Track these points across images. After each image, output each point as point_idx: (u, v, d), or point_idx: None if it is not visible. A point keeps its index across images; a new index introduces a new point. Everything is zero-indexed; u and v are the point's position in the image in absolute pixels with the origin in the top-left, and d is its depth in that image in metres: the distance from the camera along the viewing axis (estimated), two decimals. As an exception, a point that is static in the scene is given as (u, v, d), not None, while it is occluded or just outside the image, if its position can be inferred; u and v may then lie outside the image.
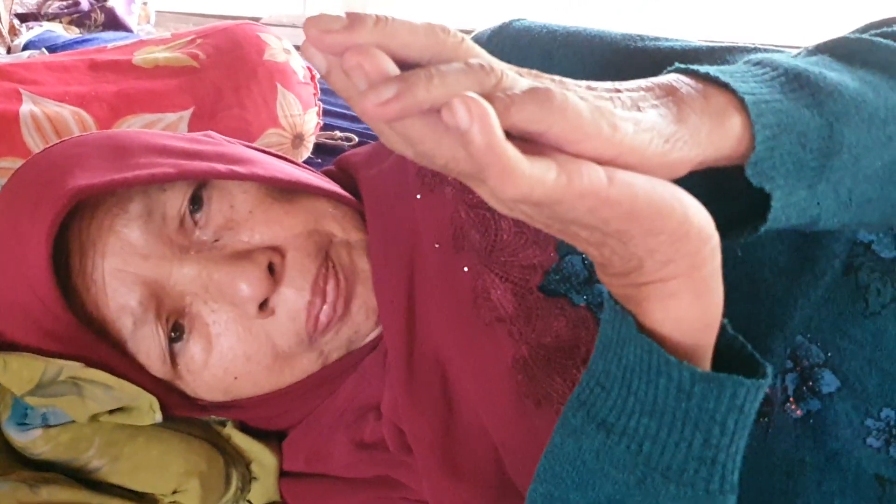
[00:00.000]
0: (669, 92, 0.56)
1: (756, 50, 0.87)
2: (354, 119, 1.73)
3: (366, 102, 0.46)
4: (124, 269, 0.84)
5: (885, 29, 0.75)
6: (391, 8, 3.35)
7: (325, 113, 1.64)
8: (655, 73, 0.84)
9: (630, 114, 0.52)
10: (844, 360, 0.79)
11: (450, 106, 0.45)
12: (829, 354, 0.79)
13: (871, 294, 0.80)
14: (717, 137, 0.56)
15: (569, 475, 0.66)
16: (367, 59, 0.47)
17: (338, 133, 1.66)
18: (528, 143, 0.49)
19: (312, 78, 1.58)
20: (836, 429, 0.78)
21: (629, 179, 0.51)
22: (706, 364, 0.63)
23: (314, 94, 1.58)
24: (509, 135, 0.47)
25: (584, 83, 0.53)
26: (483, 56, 0.51)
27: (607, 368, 0.63)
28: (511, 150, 0.45)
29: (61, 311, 0.82)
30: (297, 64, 1.57)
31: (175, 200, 0.87)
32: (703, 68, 0.59)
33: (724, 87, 0.58)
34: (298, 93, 1.55)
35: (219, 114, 1.49)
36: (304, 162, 1.59)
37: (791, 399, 0.79)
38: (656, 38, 0.89)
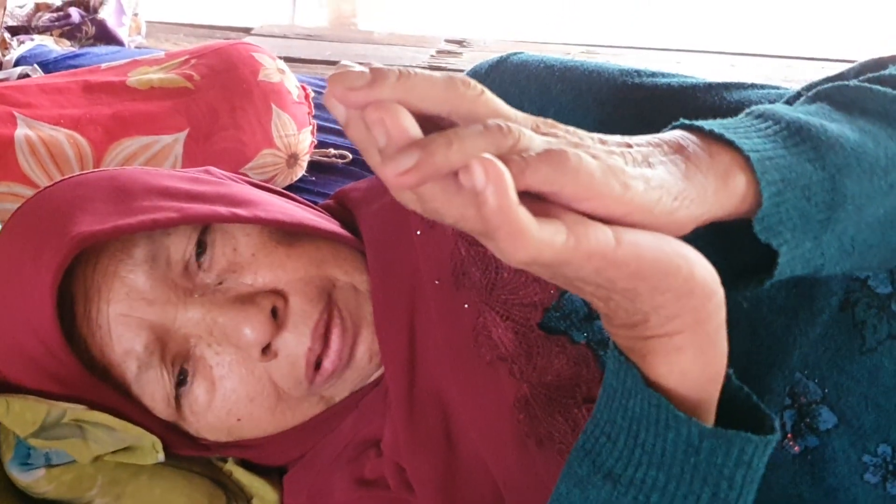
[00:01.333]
0: (677, 150, 0.57)
1: (753, 87, 0.88)
2: (345, 135, 1.73)
3: (387, 172, 0.47)
4: (129, 314, 0.84)
5: (882, 73, 0.76)
6: (379, 15, 3.36)
7: (319, 129, 1.65)
8: (653, 109, 0.85)
9: (640, 171, 0.52)
10: (842, 396, 0.80)
11: (468, 167, 0.45)
12: (827, 391, 0.80)
13: (867, 330, 0.80)
14: (723, 196, 0.57)
15: None
16: (389, 116, 0.48)
17: (332, 150, 1.66)
18: (537, 200, 0.49)
19: (307, 97, 1.59)
20: (834, 465, 0.79)
21: (636, 239, 0.51)
22: (710, 416, 0.63)
23: (308, 113, 1.58)
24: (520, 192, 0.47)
25: (597, 136, 0.54)
26: (501, 109, 0.52)
27: (612, 418, 0.64)
28: (523, 214, 0.46)
29: (66, 357, 0.83)
30: (292, 84, 1.57)
31: (179, 245, 0.87)
32: (707, 125, 0.59)
33: (729, 144, 0.58)
34: (293, 112, 1.56)
35: (214, 135, 1.49)
36: (299, 180, 1.59)
37: (789, 435, 0.80)
38: (653, 74, 0.90)
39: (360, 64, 0.50)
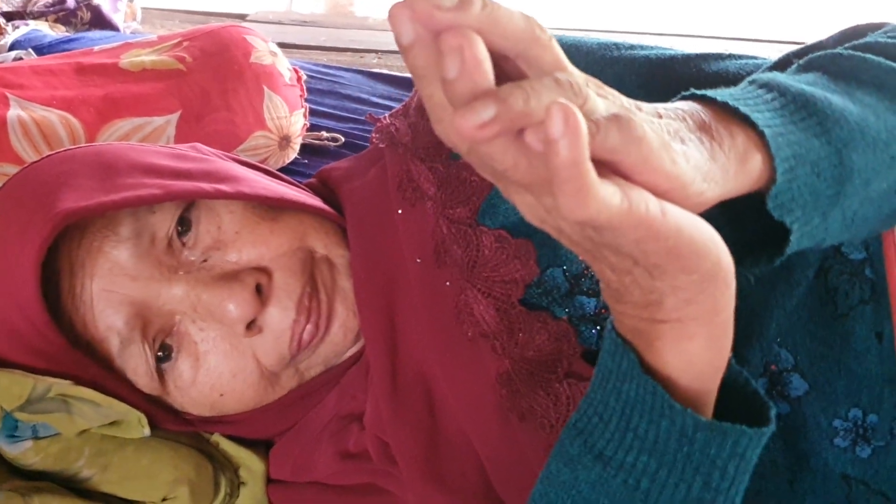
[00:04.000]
0: (701, 126, 0.56)
1: (731, 58, 0.88)
2: (341, 119, 1.74)
3: (464, 123, 0.44)
4: (112, 290, 0.85)
5: (867, 40, 0.76)
6: (376, 2, 3.36)
7: (312, 113, 1.65)
8: (635, 82, 0.85)
9: (681, 147, 0.52)
10: (814, 362, 0.81)
11: (548, 113, 0.43)
12: (799, 358, 0.81)
13: (839, 296, 0.81)
14: (740, 177, 0.56)
15: (563, 503, 0.67)
16: (469, 46, 0.45)
17: (324, 133, 1.66)
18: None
19: (299, 80, 1.59)
20: (805, 430, 0.80)
21: (678, 215, 0.50)
22: (710, 406, 0.63)
23: (300, 96, 1.58)
24: None
25: (633, 102, 0.53)
26: (562, 61, 0.50)
27: (605, 400, 0.63)
28: (592, 171, 0.44)
29: (50, 332, 0.84)
30: (284, 66, 1.57)
31: (163, 222, 0.88)
32: (721, 96, 0.59)
33: (744, 119, 0.58)
34: (285, 95, 1.56)
35: (206, 117, 1.50)
36: (291, 163, 1.60)
37: None
38: (632, 47, 0.90)
39: None
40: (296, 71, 1.60)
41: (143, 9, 2.61)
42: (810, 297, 0.82)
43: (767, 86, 0.63)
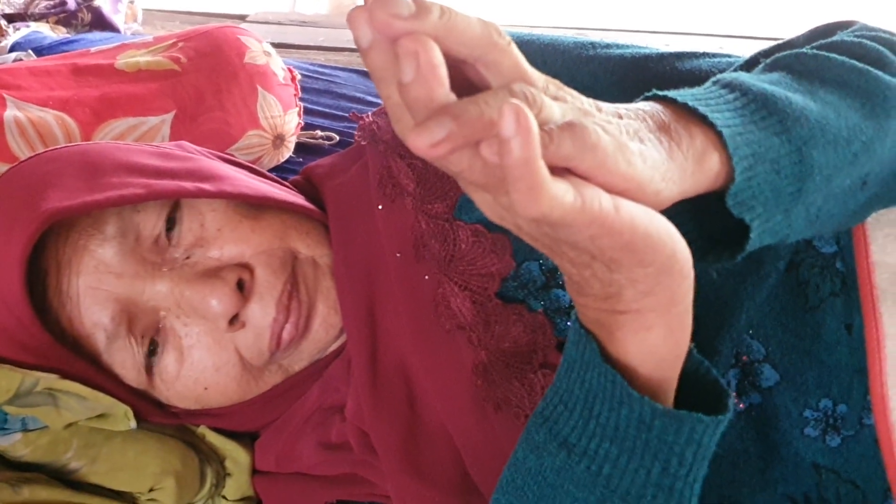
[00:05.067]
0: (661, 127, 0.57)
1: (704, 56, 0.90)
2: (336, 118, 1.75)
3: (420, 141, 0.46)
4: (98, 287, 0.87)
5: (833, 39, 0.78)
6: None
7: (308, 112, 1.67)
8: (609, 81, 0.87)
9: (638, 147, 0.53)
10: (785, 354, 0.82)
11: (500, 111, 0.44)
12: (770, 349, 0.82)
13: (810, 289, 0.83)
14: (699, 176, 0.58)
15: (530, 489, 0.68)
16: (424, 51, 0.46)
17: (319, 132, 1.68)
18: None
19: (293, 79, 1.61)
20: (776, 421, 0.82)
21: (633, 210, 0.52)
22: (670, 394, 0.65)
23: (295, 95, 1.60)
24: None
25: (593, 102, 0.54)
26: (521, 63, 0.52)
27: (570, 388, 0.65)
28: (543, 169, 0.45)
29: (36, 329, 0.85)
30: (278, 66, 1.59)
31: (148, 220, 0.90)
32: (681, 97, 0.60)
33: (703, 119, 0.59)
34: (279, 94, 1.57)
35: (200, 116, 1.51)
36: (286, 161, 1.62)
37: (734, 394, 0.82)
38: (608, 45, 0.92)
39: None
40: (290, 70, 1.61)
41: (144, 10, 2.62)
42: (782, 290, 0.83)
43: (730, 86, 0.64)
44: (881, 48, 0.75)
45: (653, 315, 0.58)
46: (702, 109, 0.59)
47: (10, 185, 0.91)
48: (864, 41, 0.76)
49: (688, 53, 0.90)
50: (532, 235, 0.55)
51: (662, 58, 0.90)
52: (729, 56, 0.90)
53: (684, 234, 0.57)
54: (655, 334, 0.60)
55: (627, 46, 0.92)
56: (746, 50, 0.93)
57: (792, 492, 0.81)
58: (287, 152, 1.61)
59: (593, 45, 0.92)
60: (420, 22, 0.47)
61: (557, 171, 0.49)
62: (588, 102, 0.54)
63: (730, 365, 0.83)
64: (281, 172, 1.41)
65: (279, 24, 2.70)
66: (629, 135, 0.53)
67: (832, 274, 0.83)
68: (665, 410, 0.61)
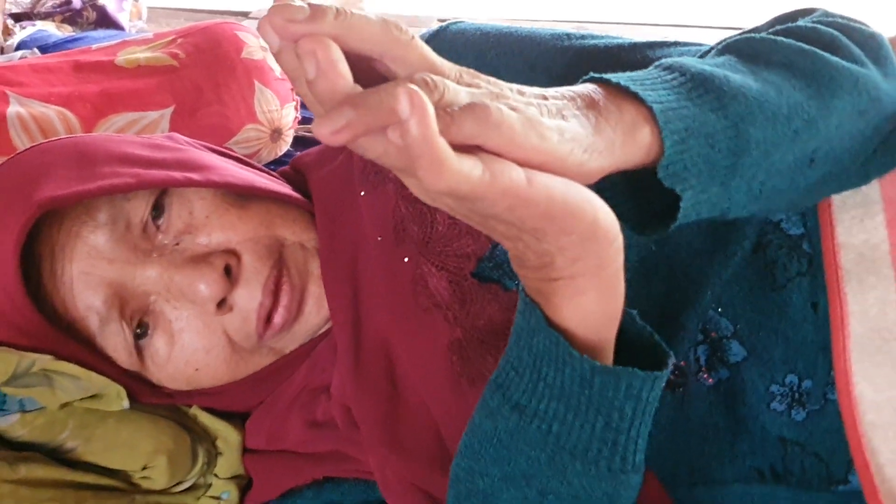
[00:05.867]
0: (589, 104, 0.60)
1: (675, 45, 0.93)
2: (332, 112, 1.78)
3: (323, 130, 0.48)
4: (90, 272, 0.90)
5: (790, 25, 0.81)
6: (384, 5, 3.39)
7: (304, 106, 1.69)
8: (582, 71, 0.90)
9: (556, 123, 0.56)
10: (753, 331, 0.85)
11: (395, 95, 0.47)
12: (738, 326, 0.85)
13: (778, 269, 0.86)
14: (629, 148, 0.61)
15: (487, 451, 0.73)
16: (321, 49, 0.49)
17: (316, 126, 1.71)
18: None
19: (289, 74, 1.64)
20: (744, 395, 0.85)
21: (546, 181, 0.54)
22: (609, 353, 0.68)
23: (291, 89, 1.63)
24: None
25: (515, 87, 0.57)
26: (428, 56, 0.55)
27: (520, 355, 0.69)
28: (443, 145, 0.48)
29: (31, 312, 0.89)
30: (274, 61, 1.62)
31: (138, 209, 0.93)
32: (615, 78, 0.63)
33: (634, 96, 0.62)
34: (276, 88, 1.60)
35: (199, 111, 1.54)
36: (284, 154, 1.65)
37: (703, 369, 0.85)
38: (583, 36, 0.95)
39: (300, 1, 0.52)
40: (287, 66, 1.64)
41: (149, 8, 2.65)
42: (750, 270, 0.86)
43: (671, 68, 0.67)
44: (835, 33, 0.78)
45: (584, 279, 0.62)
46: (633, 88, 0.62)
47: (7, 175, 0.94)
48: (819, 26, 0.79)
49: (658, 43, 0.93)
50: (462, 213, 0.58)
51: (634, 47, 0.92)
52: (699, 45, 0.93)
53: (622, 208, 0.62)
54: (589, 298, 0.63)
55: (602, 37, 0.95)
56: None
57: (759, 464, 0.84)
58: (285, 145, 1.64)
59: (569, 36, 0.95)
60: (316, 24, 0.50)
61: (469, 149, 0.52)
62: (506, 87, 0.57)
63: (697, 340, 0.85)
64: (279, 166, 1.44)
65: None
66: (550, 113, 0.56)
67: (799, 255, 0.86)
68: (603, 367, 0.65)
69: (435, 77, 0.53)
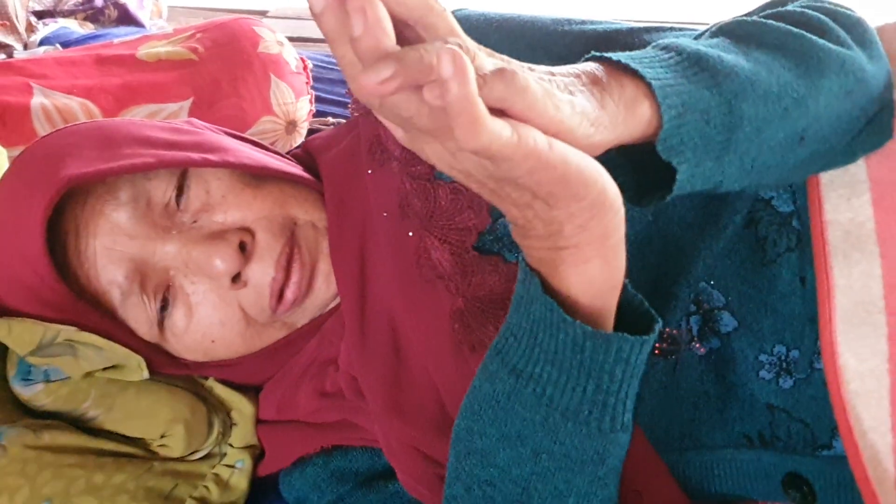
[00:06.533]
0: (593, 81, 0.64)
1: (671, 30, 0.96)
2: (346, 105, 1.82)
3: (368, 79, 0.50)
4: (113, 247, 0.95)
5: (779, 9, 0.85)
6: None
7: (319, 100, 1.73)
8: (581, 53, 0.94)
9: (567, 96, 0.60)
10: (743, 303, 0.89)
11: (438, 58, 0.49)
12: (730, 298, 0.89)
13: (768, 244, 0.89)
14: (631, 122, 0.65)
15: (485, 413, 0.77)
16: (370, 7, 0.51)
17: (330, 119, 1.75)
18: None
19: (305, 68, 1.68)
20: (734, 364, 0.88)
21: (564, 148, 0.58)
22: (610, 319, 0.73)
23: (306, 83, 1.67)
24: None
25: (526, 65, 0.61)
26: (457, 28, 0.58)
27: (519, 322, 0.74)
28: (481, 104, 0.51)
29: (56, 284, 0.93)
30: (290, 55, 1.66)
31: (158, 188, 0.97)
32: (615, 56, 0.67)
33: (634, 73, 0.66)
34: (291, 82, 1.64)
35: (216, 103, 1.58)
36: (298, 146, 1.69)
37: (695, 338, 0.89)
38: (582, 22, 0.98)
39: None
40: (302, 60, 1.69)
41: (169, 6, 2.69)
42: (742, 245, 0.90)
43: (667, 48, 0.72)
44: (824, 17, 0.82)
45: (589, 248, 0.66)
46: (633, 65, 0.66)
47: (33, 155, 0.99)
48: (808, 10, 0.82)
49: (654, 28, 0.96)
50: (479, 178, 0.61)
51: (632, 31, 0.96)
52: (695, 30, 0.96)
53: (623, 180, 0.65)
54: (593, 265, 0.67)
55: (600, 22, 0.98)
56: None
57: (748, 430, 0.88)
58: (299, 137, 1.68)
59: (569, 21, 0.98)
60: None
61: (495, 113, 0.55)
62: (519, 63, 0.60)
63: (690, 311, 0.89)
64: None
65: (298, 18, 2.78)
66: (560, 87, 0.60)
67: (788, 231, 0.90)
68: (594, 332, 0.69)
69: (467, 43, 0.56)
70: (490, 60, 0.58)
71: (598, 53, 0.68)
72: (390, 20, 0.54)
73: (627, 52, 0.69)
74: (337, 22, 0.55)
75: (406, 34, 0.58)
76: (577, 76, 0.64)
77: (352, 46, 0.53)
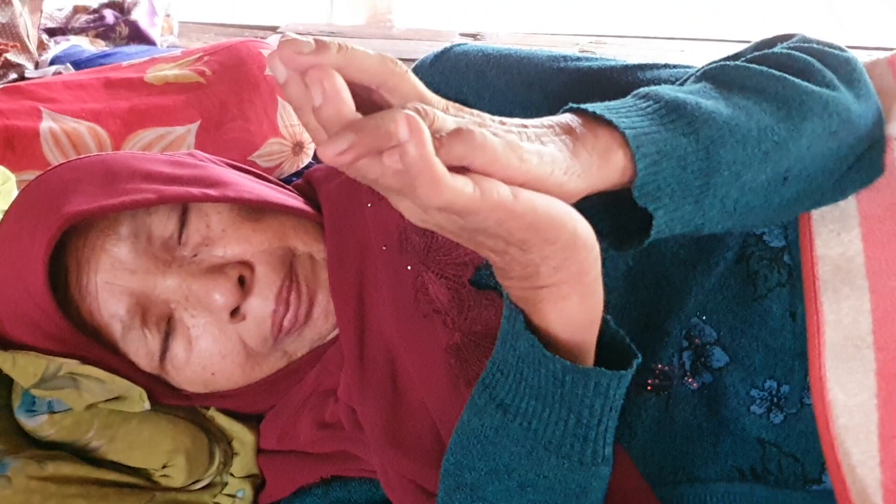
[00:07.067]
0: (567, 131, 0.66)
1: (665, 67, 0.98)
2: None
3: (327, 152, 0.54)
4: (114, 282, 0.96)
5: (766, 52, 0.86)
6: (415, 11, 3.44)
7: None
8: (576, 90, 0.95)
9: (535, 147, 0.61)
10: (735, 338, 0.90)
11: (395, 124, 0.53)
12: (721, 333, 0.90)
13: (759, 279, 0.91)
14: (605, 170, 0.66)
15: (474, 447, 0.79)
16: (327, 78, 0.55)
17: (336, 139, 1.76)
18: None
19: (311, 89, 1.69)
20: (726, 398, 0.90)
21: (530, 196, 0.60)
22: (590, 353, 0.75)
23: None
24: None
25: (497, 118, 0.63)
26: (419, 87, 0.62)
27: (505, 357, 0.75)
28: (438, 163, 0.53)
29: (58, 318, 0.95)
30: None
31: (159, 222, 0.99)
32: (591, 107, 0.69)
33: (609, 123, 0.68)
34: (297, 104, 1.66)
35: (224, 126, 1.60)
36: (305, 167, 1.70)
37: (688, 373, 0.90)
38: (578, 59, 1.00)
39: (305, 36, 0.58)
40: (309, 82, 1.70)
41: (180, 23, 2.70)
42: (733, 280, 0.91)
43: (646, 96, 0.73)
44: (809, 58, 0.83)
45: (567, 286, 0.68)
46: (608, 116, 0.68)
47: (37, 191, 1.01)
48: (794, 52, 0.84)
49: (649, 65, 0.98)
50: (453, 231, 0.64)
51: (626, 69, 0.97)
52: (689, 67, 0.97)
53: (601, 226, 0.67)
54: (572, 302, 0.69)
55: (596, 59, 1.00)
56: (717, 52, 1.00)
57: (739, 463, 0.89)
58: (306, 158, 1.69)
59: (565, 58, 1.00)
60: (321, 56, 0.57)
61: (459, 170, 0.57)
62: (488, 117, 0.63)
63: (682, 346, 0.91)
64: (300, 177, 1.49)
65: (308, 34, 2.79)
66: (529, 139, 0.62)
67: (779, 266, 0.91)
68: (573, 366, 0.71)
69: (426, 106, 0.59)
70: (452, 119, 0.60)
71: (574, 105, 0.69)
72: (348, 89, 0.57)
73: (604, 103, 0.71)
74: (299, 92, 0.58)
75: (372, 97, 0.61)
76: (550, 127, 0.66)
77: (314, 115, 0.57)
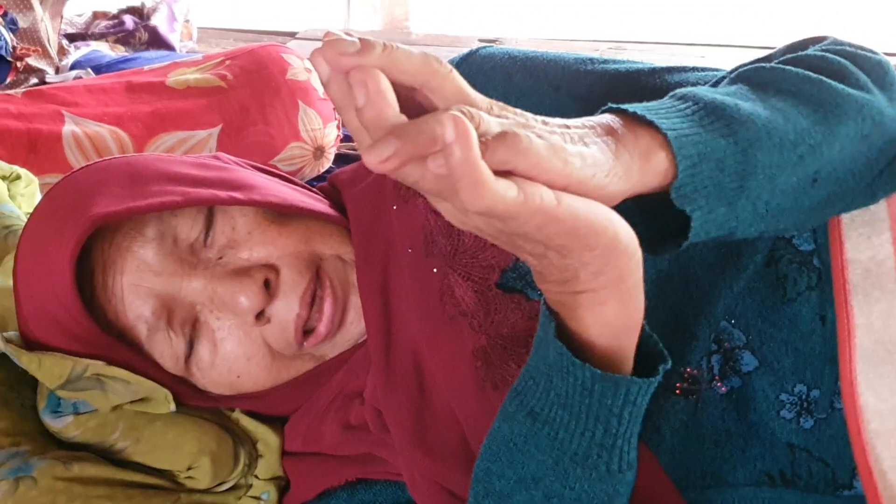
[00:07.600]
0: (608, 132, 0.65)
1: (693, 70, 0.97)
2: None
3: (371, 159, 0.54)
4: (139, 284, 0.96)
5: (799, 54, 0.86)
6: (432, 17, 3.45)
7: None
8: (603, 92, 0.94)
9: (578, 149, 0.61)
10: (764, 342, 0.90)
11: (441, 123, 0.52)
12: (750, 337, 0.90)
13: (789, 283, 0.90)
14: (646, 172, 0.66)
15: (503, 454, 0.79)
16: (371, 79, 0.55)
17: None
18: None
19: (332, 94, 1.69)
20: (755, 403, 0.89)
21: (572, 201, 0.60)
22: (629, 360, 0.74)
23: (334, 109, 1.68)
24: None
25: (540, 118, 0.63)
26: (464, 87, 0.61)
27: (537, 364, 0.75)
28: (484, 166, 0.53)
29: (84, 320, 0.95)
30: (318, 81, 1.68)
31: (185, 224, 0.99)
32: (632, 108, 0.68)
33: (650, 124, 0.67)
34: (319, 108, 1.67)
35: (245, 130, 1.61)
36: (326, 171, 1.71)
37: (717, 377, 0.90)
38: (605, 61, 0.99)
39: (351, 35, 0.58)
40: (330, 86, 1.70)
41: (199, 28, 2.72)
42: (762, 283, 0.91)
43: (684, 97, 0.73)
44: (843, 61, 0.82)
45: (605, 291, 0.67)
46: (649, 116, 0.67)
47: (63, 193, 1.01)
48: (828, 55, 0.83)
49: (676, 68, 0.97)
50: (491, 234, 0.63)
51: (654, 71, 0.97)
52: (717, 70, 0.97)
53: (636, 230, 0.65)
54: (610, 308, 0.68)
55: (623, 62, 0.99)
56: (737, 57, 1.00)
57: (769, 468, 0.88)
58: (327, 163, 1.70)
59: (591, 60, 0.99)
60: (365, 56, 0.56)
61: (503, 174, 0.57)
62: (532, 118, 0.62)
63: (711, 350, 0.90)
64: (321, 181, 1.49)
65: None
66: (572, 140, 0.61)
67: (809, 269, 0.90)
68: (603, 375, 0.70)
69: (471, 108, 0.58)
70: (496, 122, 0.59)
71: (614, 105, 0.69)
72: (392, 89, 0.56)
73: (644, 103, 0.70)
74: (342, 91, 0.58)
75: (416, 97, 0.60)
76: (593, 128, 0.65)
77: (357, 116, 0.56)
